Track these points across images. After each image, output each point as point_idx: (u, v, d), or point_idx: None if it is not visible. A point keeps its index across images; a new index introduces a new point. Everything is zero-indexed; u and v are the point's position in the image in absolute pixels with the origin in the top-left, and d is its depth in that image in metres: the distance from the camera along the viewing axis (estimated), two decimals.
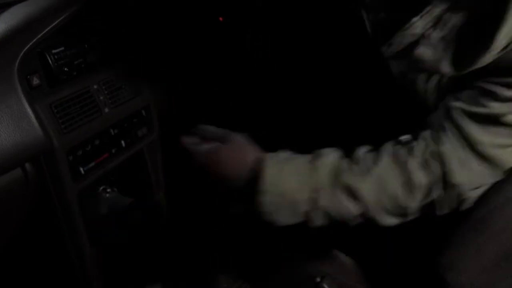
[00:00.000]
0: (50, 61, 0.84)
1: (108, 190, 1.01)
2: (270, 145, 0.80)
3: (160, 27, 1.03)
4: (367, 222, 0.74)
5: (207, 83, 1.06)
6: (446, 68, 0.64)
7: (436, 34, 0.62)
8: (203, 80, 1.06)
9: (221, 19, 1.09)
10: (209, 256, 1.00)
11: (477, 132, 0.68)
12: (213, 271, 1.00)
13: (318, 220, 0.74)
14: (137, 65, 1.00)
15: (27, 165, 0.83)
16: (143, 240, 1.04)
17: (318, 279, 0.90)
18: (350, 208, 0.73)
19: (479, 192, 0.72)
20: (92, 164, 0.91)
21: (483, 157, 0.69)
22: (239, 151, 0.78)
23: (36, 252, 0.85)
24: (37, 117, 0.80)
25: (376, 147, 0.76)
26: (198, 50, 1.05)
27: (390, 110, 0.95)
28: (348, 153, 0.77)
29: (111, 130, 0.94)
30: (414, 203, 0.72)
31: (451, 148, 0.70)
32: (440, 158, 0.70)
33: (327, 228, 0.75)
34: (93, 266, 0.96)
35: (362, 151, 0.76)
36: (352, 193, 0.72)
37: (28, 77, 0.81)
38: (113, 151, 0.95)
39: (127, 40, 0.98)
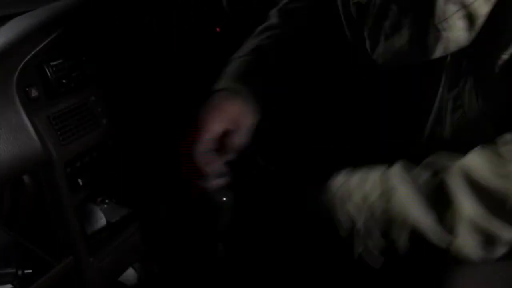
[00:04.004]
0: (48, 73, 0.85)
1: (106, 201, 1.01)
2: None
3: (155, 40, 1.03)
4: None
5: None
6: None
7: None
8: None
9: (218, 29, 1.10)
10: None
11: None
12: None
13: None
14: (133, 77, 1.01)
15: (25, 177, 0.84)
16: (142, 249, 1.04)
17: None
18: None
19: None
20: (90, 175, 0.91)
21: None
22: None
23: (32, 265, 0.85)
24: (35, 129, 0.81)
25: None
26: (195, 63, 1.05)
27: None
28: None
29: (109, 142, 0.95)
30: None
31: None
32: None
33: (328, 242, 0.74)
34: (92, 277, 0.95)
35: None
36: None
37: (27, 89, 0.82)
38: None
39: (123, 53, 0.99)
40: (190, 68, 1.05)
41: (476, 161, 0.59)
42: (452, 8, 0.56)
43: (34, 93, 0.83)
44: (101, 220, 0.98)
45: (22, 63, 0.81)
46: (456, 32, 0.57)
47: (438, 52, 0.59)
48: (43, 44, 0.84)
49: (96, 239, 0.96)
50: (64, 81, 0.87)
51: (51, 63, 0.85)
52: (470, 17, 0.57)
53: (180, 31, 1.06)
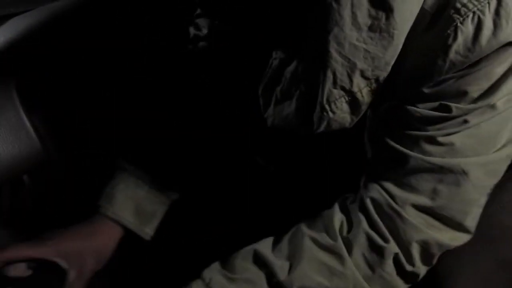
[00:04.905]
0: (48, 73, 0.85)
1: None
2: None
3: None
4: None
5: None
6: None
7: None
8: None
9: None
10: None
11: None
12: None
13: None
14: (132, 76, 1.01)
15: (25, 177, 0.84)
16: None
17: None
18: None
19: None
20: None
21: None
22: None
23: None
24: (35, 129, 0.81)
25: None
26: None
27: None
28: None
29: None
30: None
31: None
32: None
33: None
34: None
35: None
36: None
37: (26, 89, 0.82)
38: None
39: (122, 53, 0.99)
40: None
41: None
42: (338, 93, 0.57)
43: (33, 93, 0.83)
44: None
45: (22, 63, 0.81)
46: (340, 114, 0.59)
47: (321, 129, 0.61)
48: (43, 43, 0.85)
49: None
50: (63, 80, 0.87)
51: (51, 63, 0.86)
52: (354, 103, 0.59)
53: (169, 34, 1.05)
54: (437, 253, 0.64)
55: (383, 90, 0.59)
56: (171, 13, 0.95)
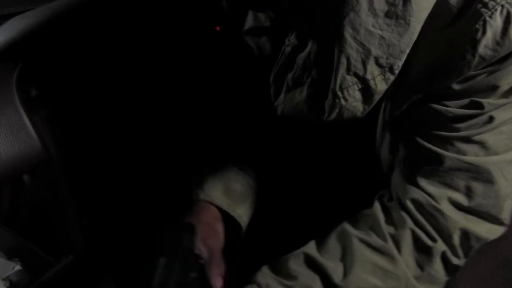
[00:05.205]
0: (48, 72, 0.85)
1: None
2: None
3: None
4: None
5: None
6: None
7: None
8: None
9: (218, 28, 1.10)
10: None
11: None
12: None
13: None
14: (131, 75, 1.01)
15: (25, 176, 0.84)
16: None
17: None
18: None
19: None
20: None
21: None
22: None
23: (32, 264, 0.85)
24: (35, 128, 0.81)
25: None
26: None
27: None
28: None
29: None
30: None
31: None
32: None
33: None
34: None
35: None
36: None
37: (26, 88, 0.82)
38: None
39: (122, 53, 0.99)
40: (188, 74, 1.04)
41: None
42: (351, 79, 0.56)
43: (33, 92, 0.83)
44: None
45: (22, 62, 0.81)
46: (352, 103, 0.58)
47: (332, 117, 0.60)
48: (43, 43, 0.84)
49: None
50: (64, 79, 0.87)
51: (51, 63, 0.86)
52: (367, 91, 0.58)
53: (179, 31, 1.05)
54: (475, 245, 0.64)
55: (400, 81, 0.59)
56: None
